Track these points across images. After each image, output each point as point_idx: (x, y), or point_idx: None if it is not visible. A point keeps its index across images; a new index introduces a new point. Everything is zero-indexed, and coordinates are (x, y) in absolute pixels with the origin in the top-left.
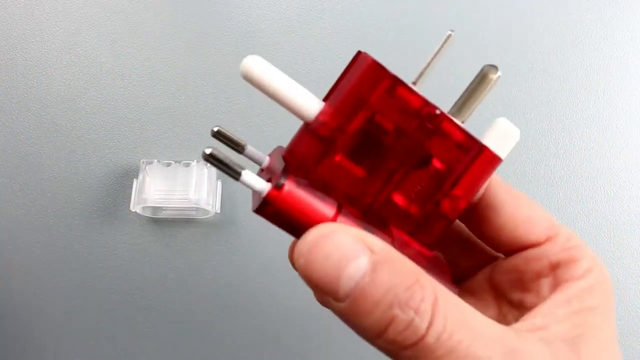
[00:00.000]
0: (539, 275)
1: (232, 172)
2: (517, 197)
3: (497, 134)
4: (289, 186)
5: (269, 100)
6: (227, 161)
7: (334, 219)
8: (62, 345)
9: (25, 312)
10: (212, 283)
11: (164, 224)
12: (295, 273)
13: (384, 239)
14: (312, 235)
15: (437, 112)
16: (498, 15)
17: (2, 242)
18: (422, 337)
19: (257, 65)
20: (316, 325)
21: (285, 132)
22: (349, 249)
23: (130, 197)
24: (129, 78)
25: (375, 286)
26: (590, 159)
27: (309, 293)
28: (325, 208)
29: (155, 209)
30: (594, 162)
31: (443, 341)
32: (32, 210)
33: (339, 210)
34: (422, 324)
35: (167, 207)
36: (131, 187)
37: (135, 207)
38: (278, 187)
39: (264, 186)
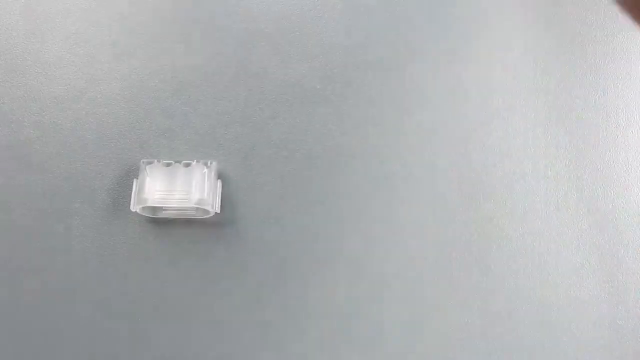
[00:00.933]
0: None
1: None
2: None
3: None
4: None
5: (268, 100)
6: None
7: None
8: (61, 344)
9: (25, 312)
10: (212, 283)
11: (164, 224)
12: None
13: None
14: None
15: None
16: (498, 15)
17: (2, 242)
18: None
19: None
20: (317, 324)
21: (285, 131)
22: None
23: (130, 197)
24: (129, 78)
25: None
26: (591, 159)
27: (308, 293)
28: None
29: (155, 209)
30: (594, 161)
31: None
32: (32, 210)
33: None
34: None
35: (167, 207)
36: (131, 187)
37: (135, 207)
38: None
39: None
